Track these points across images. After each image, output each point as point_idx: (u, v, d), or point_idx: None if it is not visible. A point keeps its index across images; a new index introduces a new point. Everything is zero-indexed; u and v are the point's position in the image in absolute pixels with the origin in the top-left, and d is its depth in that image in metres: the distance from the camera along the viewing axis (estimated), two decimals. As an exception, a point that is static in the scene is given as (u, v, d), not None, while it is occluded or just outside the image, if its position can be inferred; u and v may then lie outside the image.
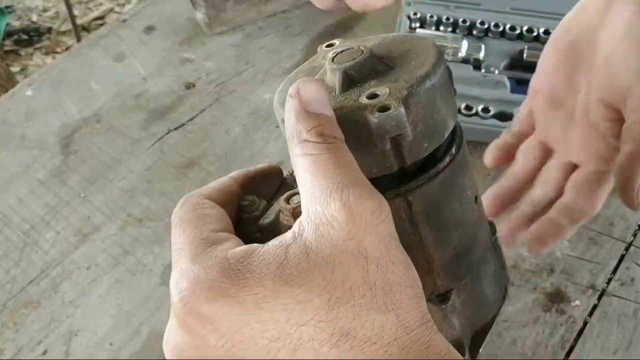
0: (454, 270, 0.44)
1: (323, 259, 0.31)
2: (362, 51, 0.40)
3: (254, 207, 0.40)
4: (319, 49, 0.44)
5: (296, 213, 0.37)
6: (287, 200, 0.38)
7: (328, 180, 0.32)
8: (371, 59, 0.40)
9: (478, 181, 0.85)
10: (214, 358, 0.33)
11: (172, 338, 0.35)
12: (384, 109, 0.36)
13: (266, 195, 0.43)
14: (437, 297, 0.45)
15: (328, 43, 0.44)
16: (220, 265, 0.32)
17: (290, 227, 0.34)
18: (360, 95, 0.38)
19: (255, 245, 0.33)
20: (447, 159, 0.41)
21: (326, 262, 0.31)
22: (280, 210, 0.38)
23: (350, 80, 0.39)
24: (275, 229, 0.38)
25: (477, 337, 0.50)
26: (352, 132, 0.36)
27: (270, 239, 0.34)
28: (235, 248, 0.33)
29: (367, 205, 0.32)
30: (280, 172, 0.44)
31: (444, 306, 0.45)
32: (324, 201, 0.32)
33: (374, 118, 0.36)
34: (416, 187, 0.39)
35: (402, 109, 0.36)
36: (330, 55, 0.41)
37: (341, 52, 0.41)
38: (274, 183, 0.44)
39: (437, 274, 0.43)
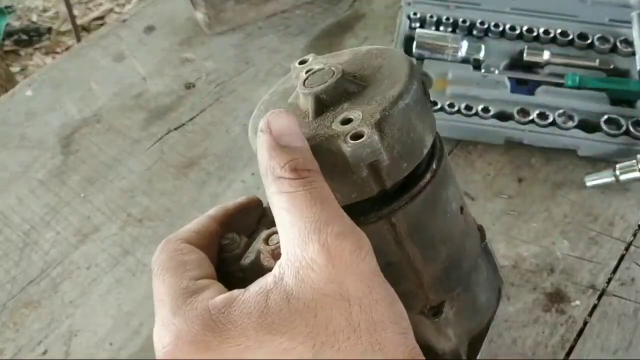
0: (445, 284, 0.44)
1: (305, 304, 0.31)
2: (334, 72, 0.39)
3: (235, 245, 0.40)
4: (292, 67, 0.43)
5: (276, 255, 0.36)
6: (267, 241, 0.37)
7: (305, 220, 0.32)
8: (343, 81, 0.39)
9: (478, 181, 0.86)
10: None
11: None
12: (357, 136, 0.35)
13: (247, 228, 0.42)
14: (430, 311, 0.44)
15: (301, 60, 0.43)
16: (201, 317, 0.32)
17: (270, 269, 0.34)
18: (333, 121, 0.37)
19: (235, 292, 0.33)
20: (428, 175, 0.40)
21: (308, 307, 0.31)
22: (259, 250, 0.38)
23: (323, 105, 0.38)
24: (257, 269, 0.37)
25: (474, 344, 0.50)
26: (327, 161, 0.36)
27: (253, 277, 0.34)
28: (216, 297, 0.33)
29: (346, 246, 0.32)
30: (260, 203, 0.44)
31: (437, 319, 0.44)
32: (302, 243, 0.32)
33: (348, 147, 0.35)
34: (398, 208, 0.39)
35: (376, 136, 0.35)
36: (303, 76, 0.40)
37: (313, 73, 0.40)
38: (254, 215, 0.43)
39: (428, 289, 0.43)
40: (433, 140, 0.41)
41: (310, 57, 0.43)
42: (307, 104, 0.39)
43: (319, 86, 0.39)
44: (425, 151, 0.39)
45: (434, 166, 0.40)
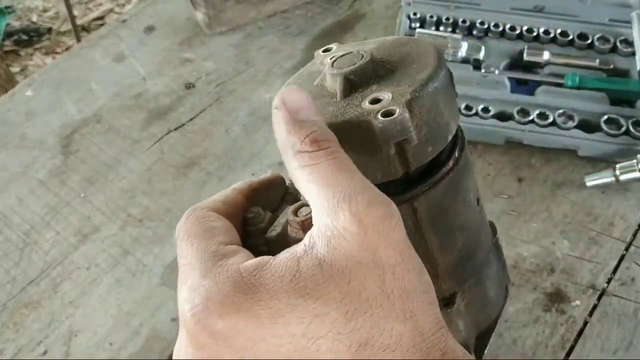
0: (459, 274, 0.44)
1: (338, 271, 0.31)
2: (362, 55, 0.39)
3: (260, 219, 0.40)
4: (315, 54, 0.43)
5: (305, 225, 0.36)
6: (296, 213, 0.37)
7: (333, 190, 0.32)
8: (372, 63, 0.39)
9: (478, 181, 0.85)
10: None
11: (183, 355, 0.34)
12: (388, 113, 0.36)
13: (270, 205, 0.42)
14: (442, 301, 0.44)
15: (325, 48, 0.43)
16: (232, 279, 0.32)
17: (298, 240, 0.33)
18: (362, 101, 0.37)
19: (266, 257, 0.33)
20: (451, 162, 0.40)
21: (341, 273, 0.31)
22: (288, 222, 0.38)
23: (352, 85, 0.39)
24: (284, 241, 0.37)
25: (482, 338, 0.50)
26: (356, 138, 0.36)
27: (278, 250, 0.33)
28: (246, 261, 0.33)
29: (378, 214, 0.31)
30: (283, 181, 0.44)
31: (449, 310, 0.44)
32: (332, 212, 0.31)
33: (379, 123, 0.35)
34: (421, 193, 0.39)
35: (407, 114, 0.35)
36: (329, 60, 0.40)
37: (340, 56, 0.40)
38: (278, 193, 0.43)
39: (442, 278, 0.43)
40: (456, 129, 0.41)
41: (334, 46, 0.43)
42: (335, 85, 0.39)
43: (348, 67, 0.39)
44: (450, 137, 0.40)
45: (456, 154, 0.41)
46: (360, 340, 0.31)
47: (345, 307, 0.30)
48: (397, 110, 0.35)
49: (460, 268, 0.44)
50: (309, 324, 0.31)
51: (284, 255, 0.32)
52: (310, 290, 0.31)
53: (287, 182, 0.44)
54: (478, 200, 0.45)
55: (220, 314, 0.31)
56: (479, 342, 0.50)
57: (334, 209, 0.31)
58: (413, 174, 0.39)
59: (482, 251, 0.46)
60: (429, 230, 0.40)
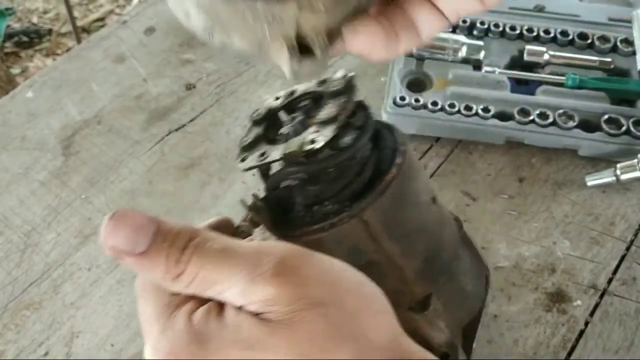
0: (427, 276, 0.44)
1: (280, 327, 0.32)
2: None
3: None
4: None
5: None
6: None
7: (231, 280, 0.33)
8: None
9: (479, 181, 0.85)
10: None
11: None
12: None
13: None
14: (418, 305, 0.45)
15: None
16: (185, 330, 0.34)
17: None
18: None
19: (212, 304, 0.35)
20: (394, 170, 0.41)
21: (282, 329, 0.32)
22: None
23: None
24: None
25: (468, 333, 0.50)
26: None
27: None
28: (196, 310, 0.35)
29: (286, 269, 0.33)
30: (231, 224, 0.45)
31: (426, 313, 0.45)
32: (247, 293, 0.33)
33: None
34: (368, 205, 0.39)
35: None
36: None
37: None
38: (227, 234, 0.45)
39: (411, 283, 0.43)
40: (396, 134, 0.43)
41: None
42: None
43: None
44: None
45: (398, 160, 0.41)
46: None
47: (299, 349, 0.32)
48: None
49: (427, 269, 0.44)
50: None
51: (230, 309, 0.34)
52: (255, 343, 0.32)
53: (239, 222, 0.45)
54: (434, 199, 0.45)
55: None
56: (465, 338, 0.50)
57: (247, 289, 0.33)
58: (356, 187, 0.40)
59: (447, 249, 0.46)
60: (385, 239, 0.41)
